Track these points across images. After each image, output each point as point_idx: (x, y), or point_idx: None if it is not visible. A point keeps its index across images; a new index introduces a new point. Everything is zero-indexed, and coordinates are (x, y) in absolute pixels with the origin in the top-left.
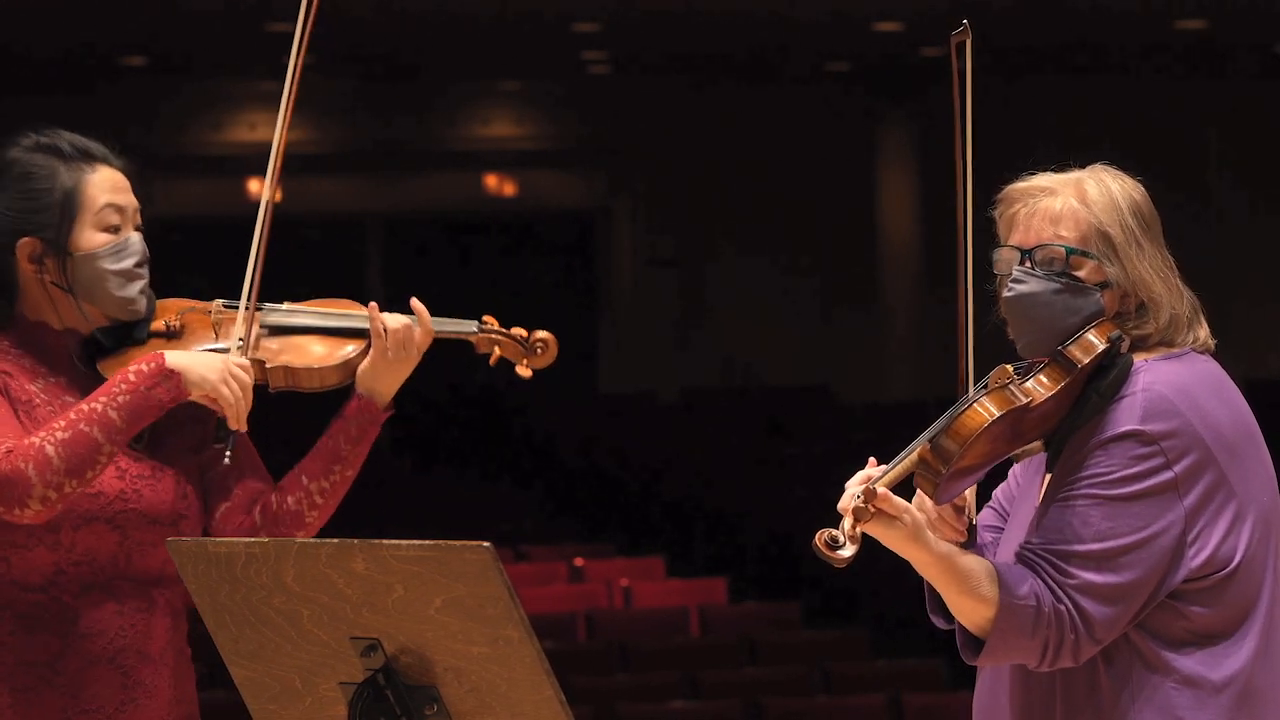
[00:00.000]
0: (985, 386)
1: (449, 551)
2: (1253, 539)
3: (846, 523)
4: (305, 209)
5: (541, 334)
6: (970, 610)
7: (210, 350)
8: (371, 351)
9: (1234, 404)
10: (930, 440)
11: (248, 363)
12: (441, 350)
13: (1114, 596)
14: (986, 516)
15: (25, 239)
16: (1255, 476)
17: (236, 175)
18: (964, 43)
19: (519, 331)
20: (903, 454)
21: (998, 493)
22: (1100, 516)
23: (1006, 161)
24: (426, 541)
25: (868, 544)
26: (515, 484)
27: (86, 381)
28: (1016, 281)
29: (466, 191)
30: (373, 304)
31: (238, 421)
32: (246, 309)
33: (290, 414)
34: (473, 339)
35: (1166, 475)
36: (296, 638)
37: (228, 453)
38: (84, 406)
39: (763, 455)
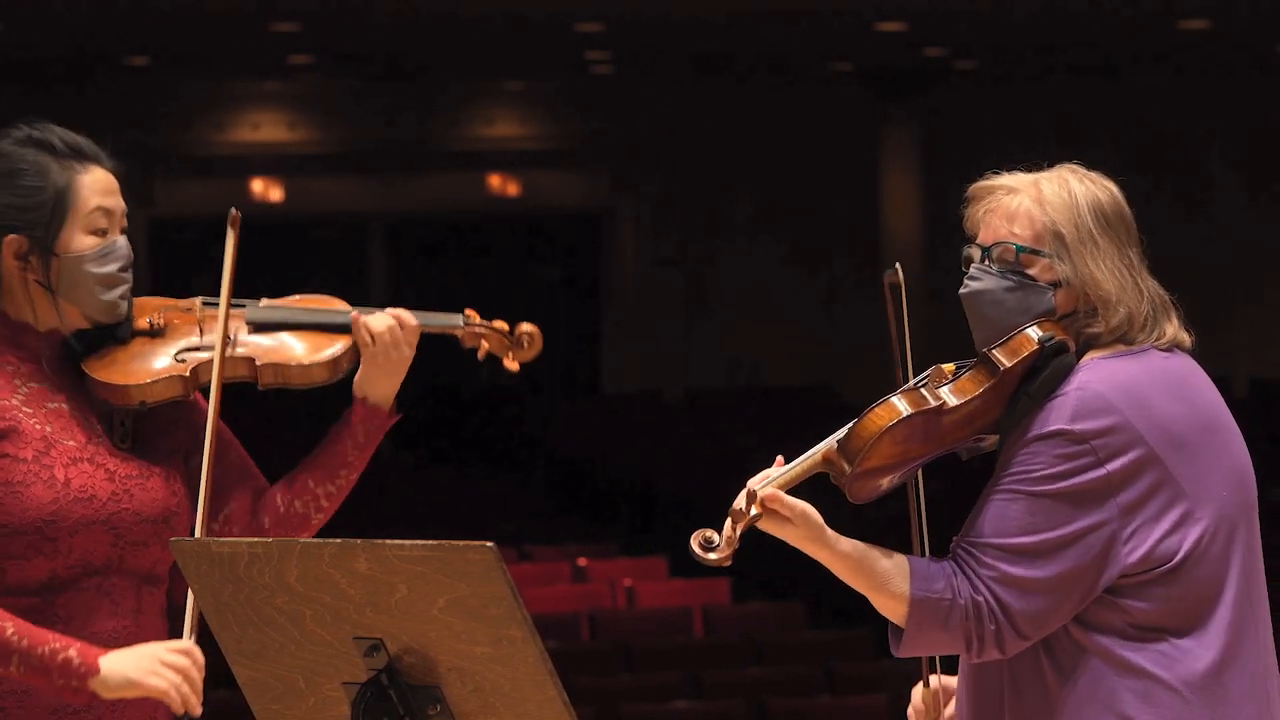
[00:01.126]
0: (909, 385)
1: (452, 551)
2: (1203, 537)
3: (728, 524)
4: (308, 209)
5: (526, 327)
6: (885, 606)
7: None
8: (362, 359)
9: (1192, 400)
10: (837, 440)
11: (186, 644)
12: (444, 349)
13: (1033, 590)
14: None
15: (12, 236)
16: (1213, 473)
17: (239, 175)
18: (896, 283)
19: (501, 325)
20: (810, 452)
21: None
22: (1020, 511)
23: (1004, 163)
24: (430, 541)
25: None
26: (518, 483)
27: (70, 384)
28: (972, 278)
29: (470, 191)
30: (354, 313)
31: (185, 707)
32: (227, 305)
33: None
34: (458, 333)
35: (1096, 473)
36: (299, 638)
37: None
38: (10, 633)
39: (767, 455)
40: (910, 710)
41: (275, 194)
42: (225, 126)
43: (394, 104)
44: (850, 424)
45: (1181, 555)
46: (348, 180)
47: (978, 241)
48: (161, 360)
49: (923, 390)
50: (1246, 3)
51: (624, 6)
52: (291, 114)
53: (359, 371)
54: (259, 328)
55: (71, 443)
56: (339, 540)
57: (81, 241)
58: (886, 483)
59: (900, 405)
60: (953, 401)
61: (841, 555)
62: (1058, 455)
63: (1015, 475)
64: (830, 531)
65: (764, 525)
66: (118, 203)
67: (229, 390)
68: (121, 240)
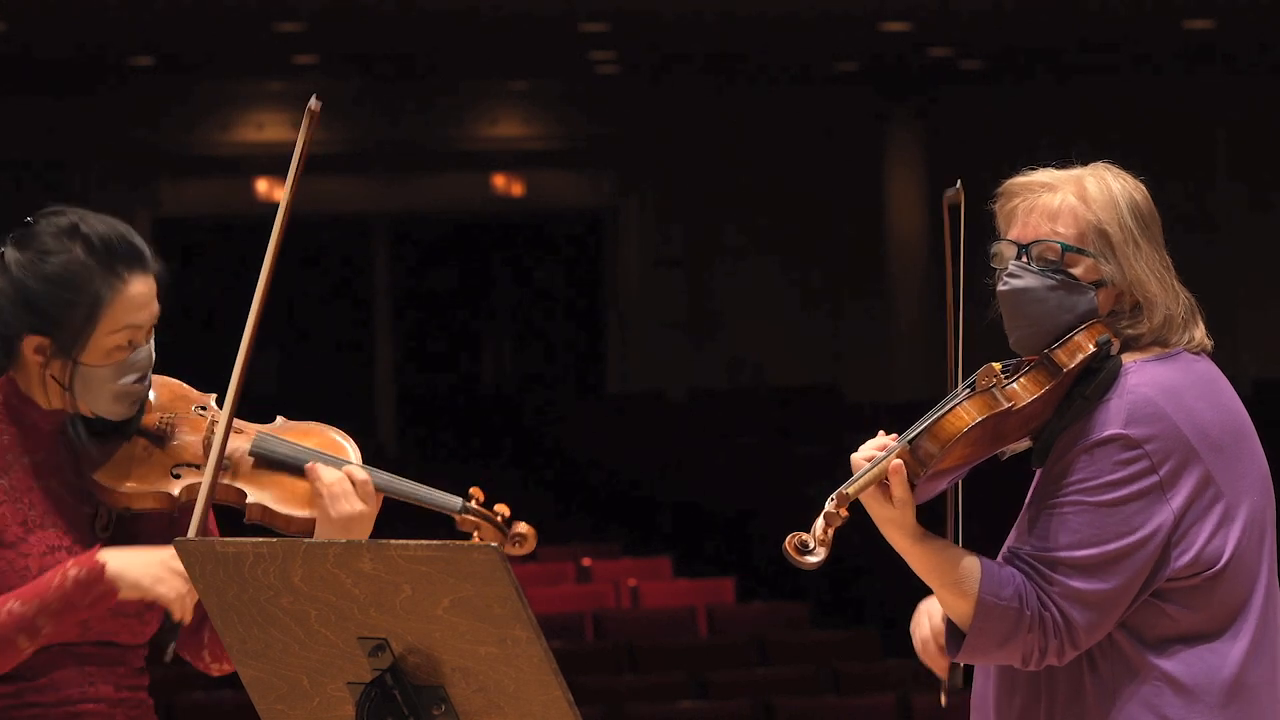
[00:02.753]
0: (971, 386)
1: (457, 551)
2: (1242, 539)
3: (818, 526)
4: (312, 209)
5: (522, 527)
6: (952, 605)
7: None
8: (316, 510)
9: (1224, 405)
10: (910, 442)
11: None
12: (447, 350)
13: (1099, 603)
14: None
15: (35, 337)
16: (1245, 477)
17: (244, 175)
18: (956, 203)
19: (501, 510)
20: (882, 455)
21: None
22: (1085, 523)
23: (1011, 161)
24: (434, 541)
25: (878, 545)
26: (523, 483)
27: (63, 464)
28: (1012, 276)
29: (474, 191)
30: (310, 465)
31: (182, 614)
32: (223, 433)
33: None
34: (455, 517)
35: (1152, 479)
36: (304, 638)
37: (171, 647)
38: (15, 607)
39: (770, 455)
40: (923, 630)
41: (279, 194)
42: (230, 126)
43: (398, 104)
44: (920, 426)
45: (1225, 559)
46: (352, 180)
47: (1011, 238)
48: (156, 472)
49: (994, 392)
50: (1251, 3)
51: (628, 6)
52: (296, 114)
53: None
54: (261, 461)
55: (51, 530)
56: (344, 540)
57: (105, 354)
58: (946, 484)
59: (976, 409)
60: (1019, 403)
61: (923, 547)
62: (1115, 461)
63: (1074, 485)
64: (918, 524)
65: (867, 501)
66: (150, 315)
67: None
68: (144, 351)
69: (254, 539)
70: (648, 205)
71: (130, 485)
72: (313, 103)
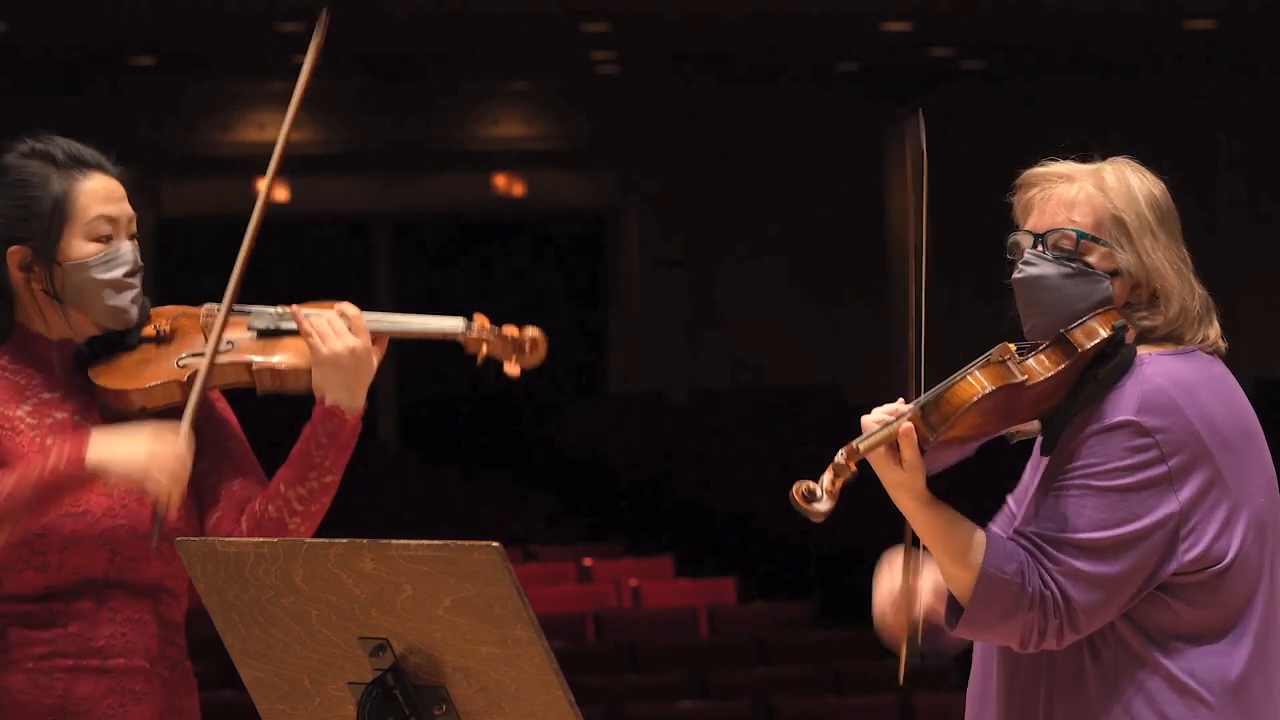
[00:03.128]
0: (986, 360)
1: (458, 551)
2: (1246, 538)
3: (826, 476)
4: (314, 209)
5: (531, 331)
6: (954, 576)
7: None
8: (311, 356)
9: (1234, 404)
10: (921, 407)
11: (184, 449)
12: (447, 350)
13: (1100, 585)
14: (1000, 523)
15: (15, 247)
16: (1253, 478)
17: (246, 175)
18: (916, 133)
19: (509, 330)
20: (894, 419)
21: (1010, 497)
22: (1093, 507)
23: (1014, 161)
24: (435, 541)
25: (881, 544)
26: (524, 484)
27: (80, 392)
28: (1027, 264)
29: (476, 192)
30: (296, 310)
31: (166, 509)
32: (224, 312)
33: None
34: (460, 338)
35: (1160, 469)
36: (305, 638)
37: (155, 538)
38: (6, 497)
39: (772, 455)
40: (881, 597)
41: (280, 194)
42: (231, 127)
43: (399, 104)
44: (932, 393)
45: (1232, 556)
46: (353, 180)
47: (1028, 228)
48: (162, 366)
49: (1009, 365)
50: (1254, 3)
51: (630, 6)
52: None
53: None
54: (262, 334)
55: None
56: (345, 540)
57: (83, 248)
58: (956, 456)
59: (988, 378)
60: (1033, 378)
61: (931, 513)
62: (1126, 448)
63: (1084, 468)
64: (927, 489)
65: (877, 462)
66: (122, 209)
67: (238, 397)
68: (127, 246)
69: (255, 540)
70: (649, 205)
71: (138, 383)
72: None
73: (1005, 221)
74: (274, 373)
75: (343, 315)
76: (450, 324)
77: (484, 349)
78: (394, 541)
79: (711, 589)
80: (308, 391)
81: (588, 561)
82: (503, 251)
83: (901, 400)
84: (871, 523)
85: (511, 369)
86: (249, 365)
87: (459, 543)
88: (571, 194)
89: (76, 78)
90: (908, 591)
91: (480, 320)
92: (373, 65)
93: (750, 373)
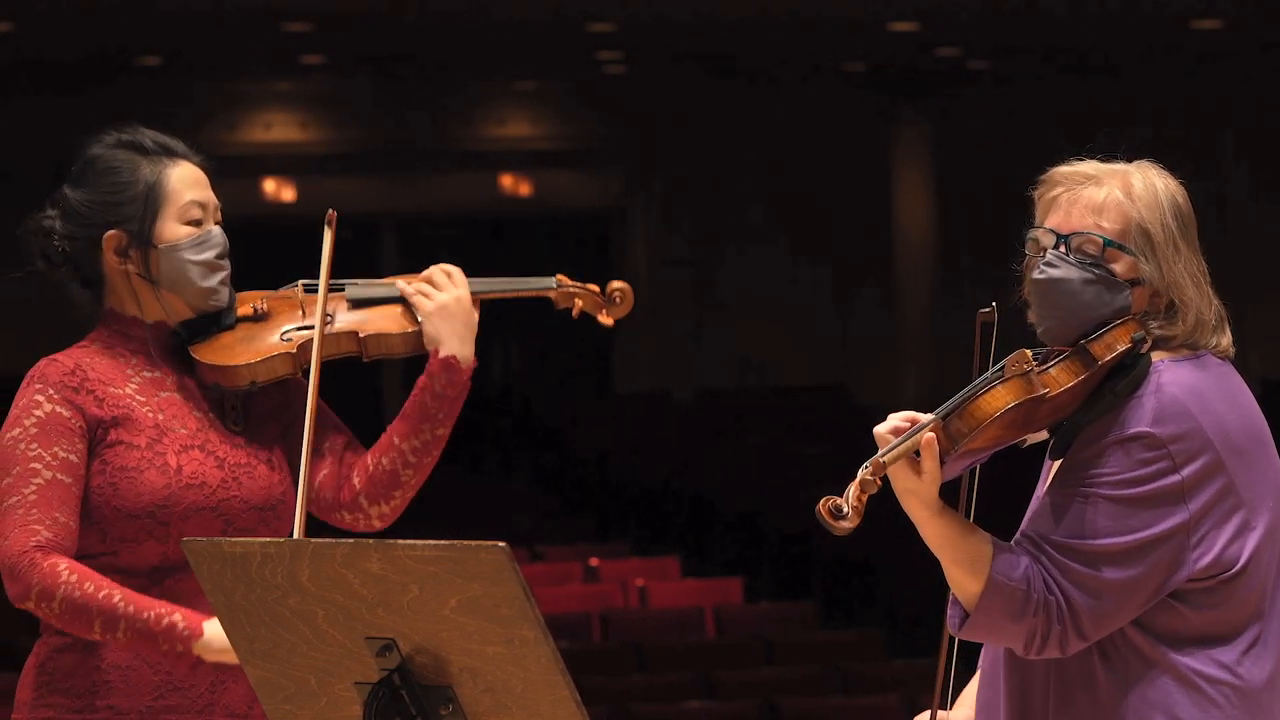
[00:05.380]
0: (1002, 370)
1: (464, 551)
2: (1258, 544)
3: (852, 492)
4: (321, 209)
5: (618, 284)
6: (961, 584)
7: (297, 329)
8: (419, 312)
9: (1246, 410)
10: (943, 419)
11: None
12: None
13: (1105, 593)
14: None
15: (111, 231)
16: (1264, 483)
17: (252, 175)
18: (989, 322)
19: (593, 287)
20: (914, 429)
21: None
22: (1102, 515)
23: (1016, 162)
24: (442, 541)
25: (885, 545)
26: (530, 483)
27: (179, 376)
28: (1049, 265)
29: (482, 191)
30: (396, 279)
31: None
32: (324, 284)
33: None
34: (551, 294)
35: (1173, 479)
36: (312, 638)
37: None
38: (114, 595)
39: (778, 455)
40: None
41: (287, 194)
42: (237, 126)
43: (406, 104)
44: (954, 404)
45: (1243, 562)
46: (360, 180)
47: (1051, 226)
48: (268, 341)
49: (1031, 377)
50: (1259, 2)
51: (636, 6)
52: (304, 114)
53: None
54: (357, 304)
55: (183, 430)
56: (351, 540)
57: (177, 231)
58: (968, 466)
59: (1012, 392)
60: (1054, 390)
61: (940, 520)
62: (1138, 460)
63: (1096, 478)
64: (939, 497)
65: (899, 476)
66: (209, 195)
67: (330, 371)
68: (216, 230)
69: (261, 540)
70: (655, 205)
71: (248, 357)
72: (330, 212)
73: (1012, 220)
74: (380, 337)
75: (442, 269)
76: (541, 282)
77: (578, 304)
78: (400, 541)
79: (718, 589)
80: (412, 354)
81: (594, 561)
82: (509, 251)
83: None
84: (876, 523)
85: (605, 319)
86: (356, 334)
87: (465, 543)
88: (578, 194)
89: (82, 77)
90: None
91: (562, 278)
92: (380, 65)
93: (756, 373)
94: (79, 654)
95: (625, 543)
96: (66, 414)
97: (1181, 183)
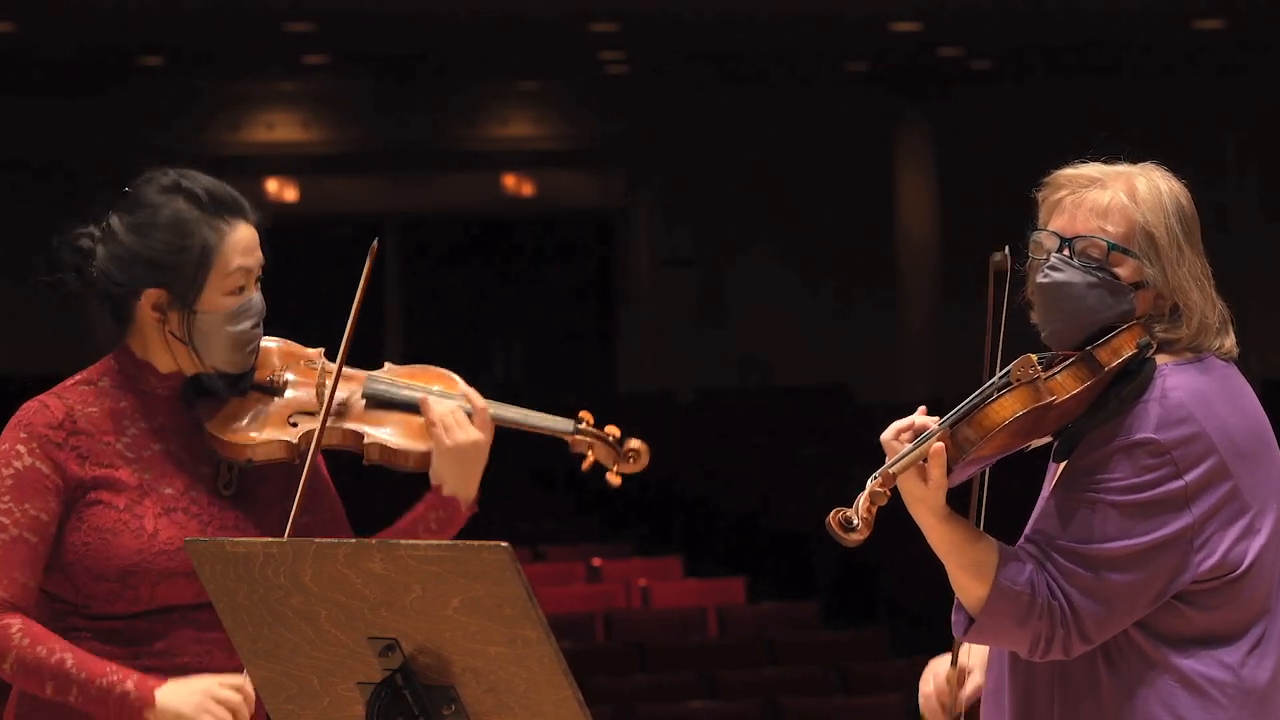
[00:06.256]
0: (1007, 376)
1: (467, 551)
2: (1262, 545)
3: (861, 504)
4: (322, 209)
5: (635, 443)
6: (966, 589)
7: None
8: (433, 443)
9: (1250, 413)
10: (951, 428)
11: (239, 681)
12: (457, 350)
13: (1108, 597)
14: None
15: (154, 290)
16: (1269, 484)
17: (254, 176)
18: (1003, 270)
19: (612, 431)
20: (922, 438)
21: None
22: (1106, 521)
23: (1018, 162)
24: (444, 541)
25: (889, 544)
26: (533, 484)
27: (182, 427)
28: (1053, 269)
29: (485, 192)
30: (423, 398)
31: None
32: (334, 379)
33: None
34: (568, 439)
35: (1176, 485)
36: (314, 638)
37: None
38: (69, 664)
39: (780, 455)
40: (928, 687)
41: (290, 194)
42: (240, 126)
43: (408, 104)
44: (961, 412)
45: (1247, 563)
46: (362, 180)
47: (1054, 228)
48: (273, 422)
49: (1038, 385)
50: (1261, 2)
51: (638, 6)
52: (306, 114)
53: (433, 457)
54: (374, 403)
55: (169, 490)
56: (354, 540)
57: (220, 301)
58: (974, 473)
59: (1019, 400)
60: (1060, 396)
61: (947, 526)
62: (1142, 465)
63: (1099, 483)
64: (945, 504)
65: (906, 485)
66: (257, 259)
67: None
68: (257, 297)
69: (263, 539)
70: (658, 205)
71: (249, 436)
72: (374, 245)
73: (1015, 221)
74: (384, 449)
75: (469, 402)
76: (560, 424)
77: (590, 455)
78: (403, 541)
79: (720, 589)
80: (414, 471)
81: (596, 561)
82: (512, 251)
83: (921, 412)
84: (879, 523)
85: (613, 478)
86: (360, 435)
87: (468, 543)
88: (580, 194)
89: (85, 78)
90: (961, 675)
91: (586, 418)
92: (383, 65)
93: (759, 372)
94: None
95: (628, 543)
96: (45, 470)
97: (1185, 184)
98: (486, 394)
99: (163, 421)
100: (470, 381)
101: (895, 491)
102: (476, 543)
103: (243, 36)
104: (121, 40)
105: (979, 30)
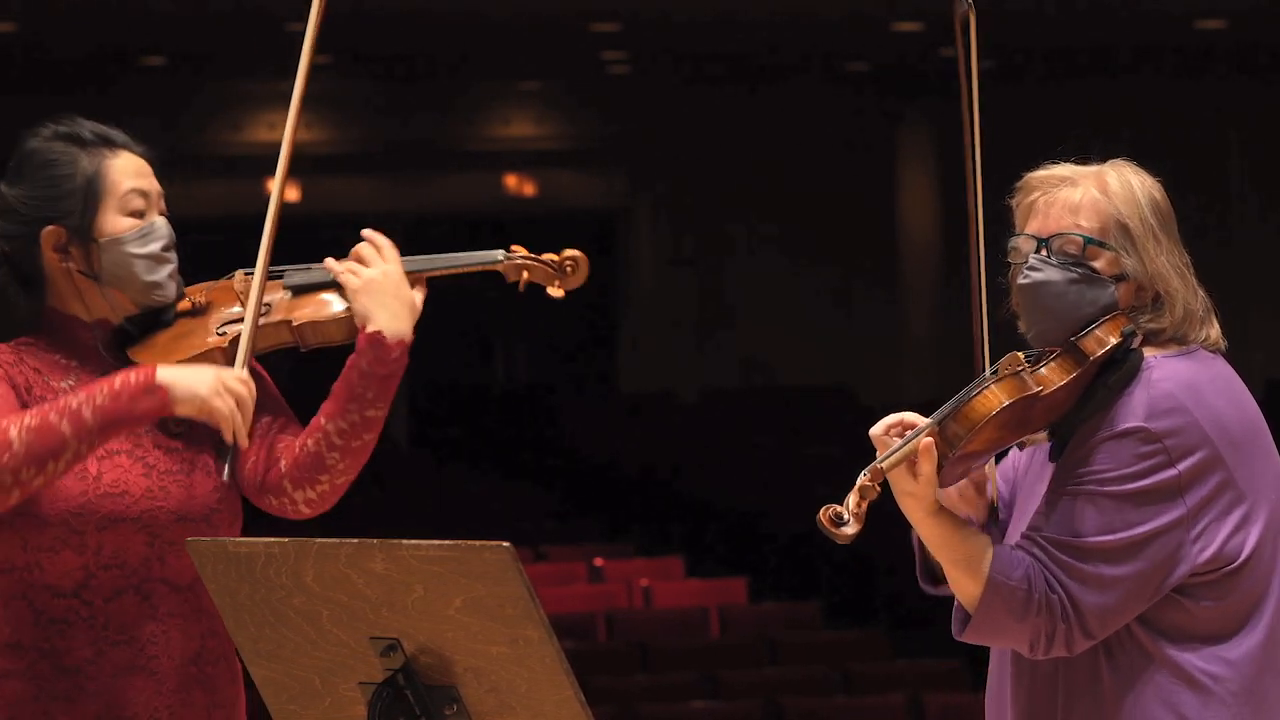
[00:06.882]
0: (995, 373)
1: (469, 551)
2: (1260, 535)
3: (852, 499)
4: (325, 209)
5: (571, 252)
6: (961, 585)
7: (227, 327)
8: (345, 287)
9: (1241, 403)
10: (939, 423)
11: (246, 374)
12: (458, 350)
13: (1107, 590)
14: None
15: (50, 228)
16: (1262, 475)
17: (255, 175)
18: (966, 16)
19: (549, 256)
20: (911, 434)
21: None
22: (1098, 511)
23: (1023, 162)
24: (446, 541)
25: (889, 545)
26: (535, 484)
27: (120, 368)
28: (1032, 269)
29: (486, 192)
30: (329, 260)
31: (235, 436)
32: (260, 272)
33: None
34: (499, 267)
35: (1169, 474)
36: (316, 638)
37: (226, 469)
38: (62, 400)
39: (782, 455)
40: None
41: (291, 194)
42: (242, 126)
43: (410, 104)
44: (948, 408)
45: (1246, 554)
46: (364, 180)
47: (1031, 232)
48: (201, 337)
49: (1023, 376)
50: (1263, 3)
51: (640, 7)
52: (308, 114)
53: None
54: (298, 291)
55: None
56: (356, 540)
57: (119, 224)
58: (973, 468)
59: (1005, 391)
60: (1047, 388)
61: (937, 521)
62: (1134, 455)
63: (1092, 474)
64: (936, 500)
65: (896, 479)
66: (152, 184)
67: (320, 357)
68: (161, 221)
69: (266, 539)
70: (660, 205)
71: (180, 355)
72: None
73: (1010, 223)
74: (315, 325)
75: (370, 243)
76: (487, 256)
77: (525, 275)
78: (405, 541)
79: (722, 589)
80: (351, 340)
81: (598, 561)
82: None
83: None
84: (879, 523)
85: (555, 291)
86: (289, 323)
87: (470, 543)
88: (582, 194)
89: (86, 77)
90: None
91: (517, 249)
92: (384, 65)
93: (761, 372)
94: (22, 682)
95: (630, 543)
96: (4, 390)
97: (1174, 181)
98: (486, 394)
99: (96, 368)
100: (472, 381)
101: (886, 486)
102: (478, 543)
103: (243, 36)
104: (122, 40)
105: (981, 31)
